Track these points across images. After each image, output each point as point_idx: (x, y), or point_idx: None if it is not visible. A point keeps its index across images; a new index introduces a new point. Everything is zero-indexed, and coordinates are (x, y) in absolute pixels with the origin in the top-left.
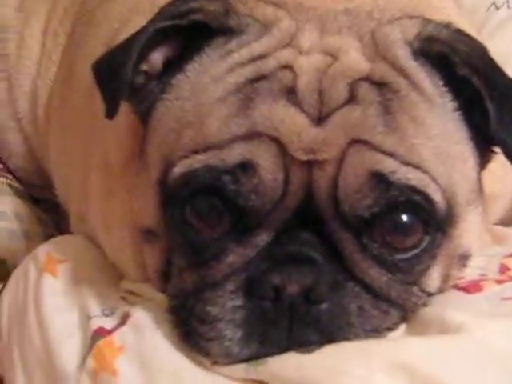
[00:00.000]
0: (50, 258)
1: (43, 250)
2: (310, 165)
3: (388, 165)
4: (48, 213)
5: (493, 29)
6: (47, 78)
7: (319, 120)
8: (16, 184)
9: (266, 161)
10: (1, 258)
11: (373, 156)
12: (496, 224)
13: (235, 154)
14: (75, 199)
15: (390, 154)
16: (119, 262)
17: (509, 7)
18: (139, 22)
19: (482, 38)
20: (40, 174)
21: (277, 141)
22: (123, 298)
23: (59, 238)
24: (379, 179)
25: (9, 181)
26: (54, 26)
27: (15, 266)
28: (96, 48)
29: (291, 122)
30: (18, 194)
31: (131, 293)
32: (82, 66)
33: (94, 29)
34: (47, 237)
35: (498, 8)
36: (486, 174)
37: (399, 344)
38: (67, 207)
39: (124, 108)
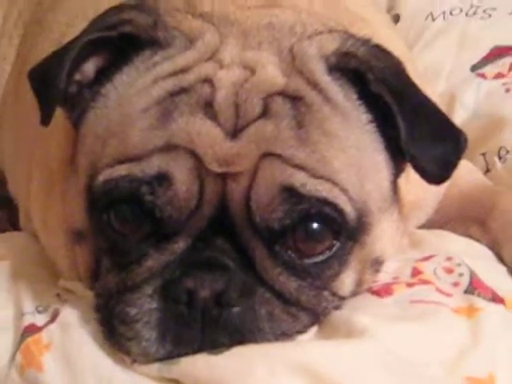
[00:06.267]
0: None
1: None
2: (224, 176)
3: (299, 178)
4: (3, 209)
5: (429, 39)
6: (2, 77)
7: (234, 133)
8: None
9: (181, 173)
10: None
11: (284, 169)
12: (420, 228)
13: (153, 166)
14: (22, 197)
15: (301, 168)
16: (55, 260)
17: (444, 19)
18: (82, 27)
19: (417, 49)
20: None
21: (193, 153)
22: (58, 295)
23: (3, 235)
24: (290, 192)
25: None
26: (10, 29)
27: None
28: (46, 50)
29: (207, 135)
30: None
31: (66, 290)
32: None
33: (45, 31)
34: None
35: (434, 19)
36: (410, 183)
37: (303, 347)
38: (18, 204)
39: (61, 114)
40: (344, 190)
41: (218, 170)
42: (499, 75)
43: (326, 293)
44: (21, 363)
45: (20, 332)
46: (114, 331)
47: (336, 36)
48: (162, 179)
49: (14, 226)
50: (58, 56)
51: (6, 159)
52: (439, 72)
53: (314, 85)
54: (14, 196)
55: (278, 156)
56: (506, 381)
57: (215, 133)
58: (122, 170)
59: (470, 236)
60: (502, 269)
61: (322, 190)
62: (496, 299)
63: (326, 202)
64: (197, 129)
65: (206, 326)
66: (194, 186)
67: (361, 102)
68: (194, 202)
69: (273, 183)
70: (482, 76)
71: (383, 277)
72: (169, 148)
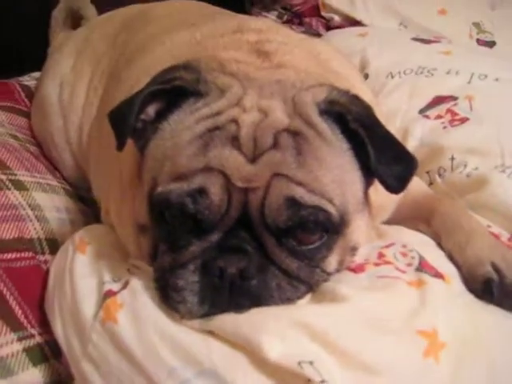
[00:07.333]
0: (81, 241)
1: (78, 235)
2: (246, 190)
3: (299, 192)
4: (90, 207)
5: (389, 91)
6: (89, 116)
7: (253, 159)
8: (67, 187)
9: (215, 188)
10: (53, 238)
11: (288, 186)
12: (384, 224)
13: (195, 183)
14: (103, 199)
15: (301, 184)
16: (126, 245)
17: (400, 77)
18: (146, 81)
19: (381, 97)
20: (84, 180)
21: (223, 173)
22: (128, 270)
23: (89, 227)
24: (292, 202)
25: (63, 185)
26: (95, 82)
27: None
28: (120, 98)
29: (233, 160)
30: (68, 194)
31: (134, 266)
32: None
33: (120, 84)
34: (87, 225)
35: (393, 77)
36: (378, 192)
37: (302, 308)
38: (100, 204)
39: (131, 142)
40: (330, 200)
41: (242, 185)
42: (438, 116)
43: (317, 270)
44: (102, 317)
45: (102, 295)
46: (167, 296)
47: (325, 88)
48: (202, 192)
49: (97, 220)
50: (128, 102)
51: (92, 174)
52: (396, 114)
53: (310, 124)
54: (97, 199)
55: (284, 176)
56: (444, 332)
57: (239, 159)
58: (173, 185)
59: (419, 230)
60: (442, 253)
61: (315, 200)
62: (438, 275)
63: (317, 208)
64: (226, 156)
65: (232, 294)
66: (225, 196)
67: (342, 136)
68: (224, 208)
69: (280, 195)
70: (427, 117)
71: (358, 259)
72: (206, 170)
